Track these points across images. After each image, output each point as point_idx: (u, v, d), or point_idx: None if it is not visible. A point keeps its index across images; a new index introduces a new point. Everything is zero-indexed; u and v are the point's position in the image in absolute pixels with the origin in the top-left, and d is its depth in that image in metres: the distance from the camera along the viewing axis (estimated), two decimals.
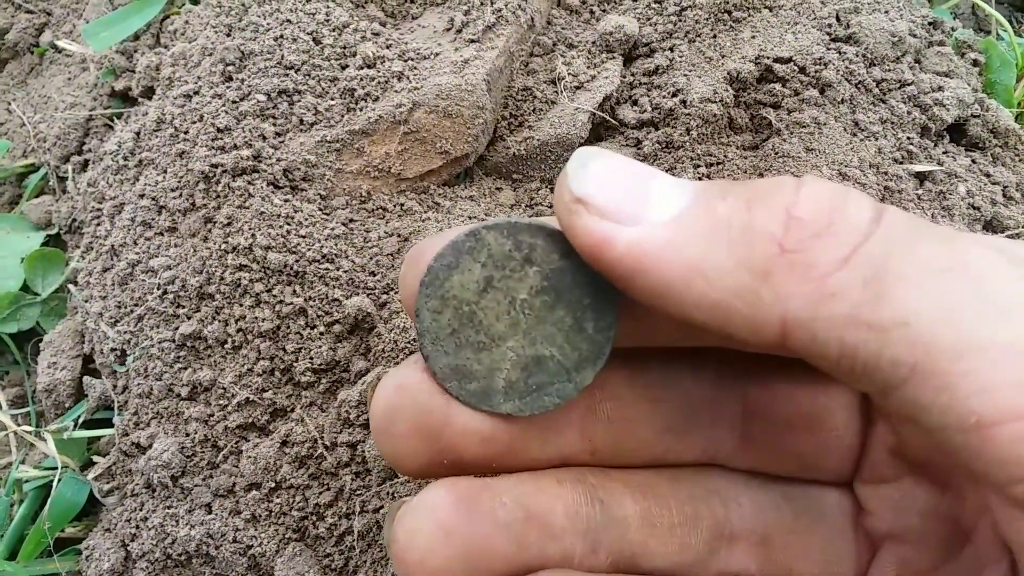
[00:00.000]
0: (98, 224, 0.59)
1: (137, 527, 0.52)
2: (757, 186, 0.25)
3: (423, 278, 0.29)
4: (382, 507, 0.49)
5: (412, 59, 0.56)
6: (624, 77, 0.57)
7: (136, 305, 0.54)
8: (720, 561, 0.33)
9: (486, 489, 0.29)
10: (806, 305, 0.23)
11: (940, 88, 0.56)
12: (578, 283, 0.29)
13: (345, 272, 0.51)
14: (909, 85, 0.55)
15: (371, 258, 0.52)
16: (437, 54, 0.56)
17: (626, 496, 0.32)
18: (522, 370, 0.30)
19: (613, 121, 0.56)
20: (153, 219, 0.55)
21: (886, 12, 0.58)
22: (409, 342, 0.49)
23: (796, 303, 0.23)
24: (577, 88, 0.56)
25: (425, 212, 0.54)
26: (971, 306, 0.21)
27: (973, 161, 0.56)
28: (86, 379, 0.57)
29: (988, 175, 0.56)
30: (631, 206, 0.25)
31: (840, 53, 0.55)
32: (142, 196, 0.56)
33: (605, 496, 0.32)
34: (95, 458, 0.56)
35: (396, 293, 0.51)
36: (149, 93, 0.62)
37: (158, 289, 0.53)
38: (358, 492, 0.49)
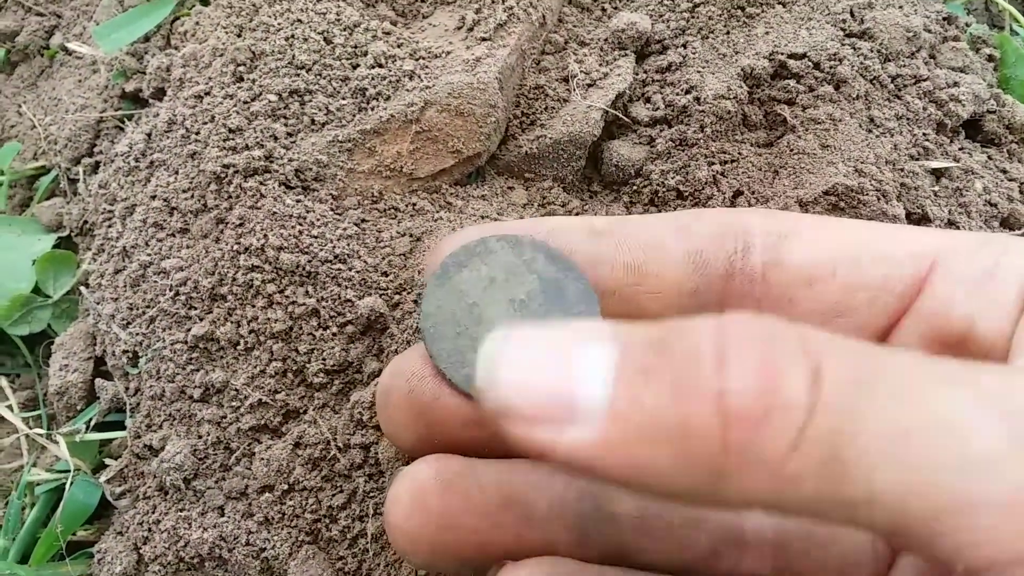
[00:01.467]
0: (109, 226, 0.59)
1: (149, 530, 0.52)
2: (674, 359, 0.22)
3: (435, 271, 0.33)
4: None
5: (423, 58, 0.56)
6: (637, 74, 0.56)
7: (148, 307, 0.54)
8: (727, 563, 0.33)
9: (468, 469, 0.32)
10: (769, 496, 0.22)
11: (956, 84, 0.55)
12: (571, 293, 0.32)
13: (357, 272, 0.50)
14: (924, 81, 0.55)
15: (383, 258, 0.51)
16: (448, 52, 0.56)
17: (622, 494, 0.32)
18: None
19: (626, 119, 0.55)
20: (165, 220, 0.55)
21: (900, 7, 0.58)
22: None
23: (758, 495, 0.22)
24: (589, 86, 0.56)
25: (437, 212, 0.54)
26: (937, 471, 0.20)
27: (989, 157, 0.56)
28: (98, 381, 0.57)
29: (1004, 171, 0.55)
30: (557, 408, 0.23)
31: (855, 49, 0.54)
32: (153, 197, 0.56)
33: (599, 492, 0.32)
34: (107, 461, 0.56)
35: (409, 293, 0.50)
36: (160, 94, 0.62)
37: (170, 291, 0.53)
38: (371, 494, 0.49)
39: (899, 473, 0.20)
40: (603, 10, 0.60)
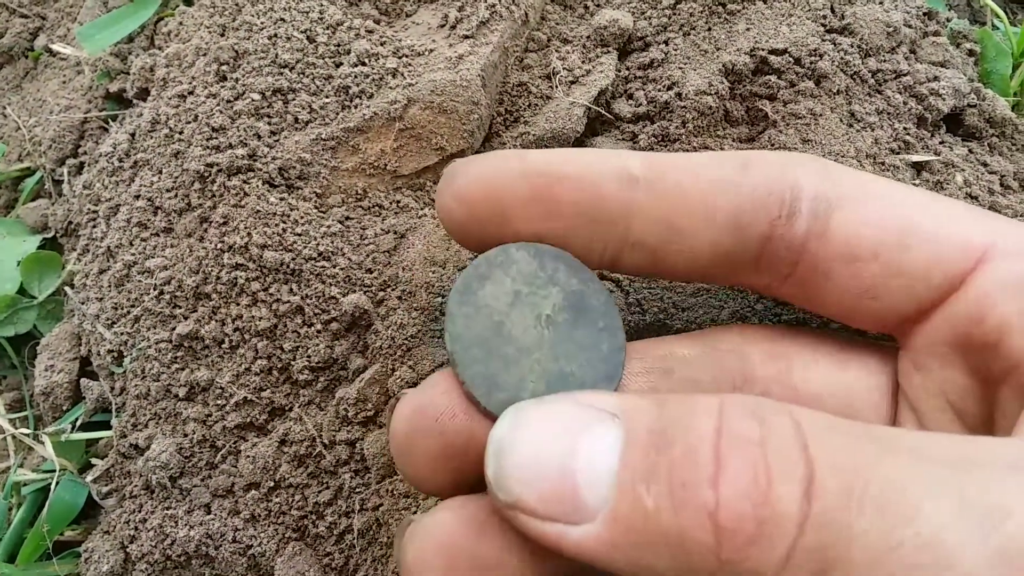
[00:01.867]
0: (94, 226, 0.59)
1: (136, 529, 0.52)
2: (674, 459, 0.23)
3: (456, 284, 0.31)
4: (381, 504, 0.49)
5: (406, 56, 0.56)
6: (619, 71, 0.57)
7: (133, 306, 0.54)
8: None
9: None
10: None
11: (936, 78, 0.56)
12: (593, 306, 0.31)
13: (342, 270, 0.51)
14: (905, 75, 0.55)
15: (368, 255, 0.51)
16: (431, 50, 0.56)
17: None
18: (547, 384, 0.30)
19: (608, 115, 0.56)
20: (149, 220, 0.55)
21: (880, 3, 0.58)
22: (407, 339, 0.49)
23: None
24: (572, 83, 0.56)
25: (422, 209, 0.54)
26: None
27: (970, 151, 0.56)
28: (83, 381, 0.57)
29: (985, 164, 0.55)
30: (564, 505, 0.24)
31: (835, 44, 0.54)
32: (137, 197, 0.56)
33: None
34: (94, 460, 0.56)
35: (393, 290, 0.50)
36: (144, 94, 0.62)
37: (154, 290, 0.53)
38: (357, 490, 0.49)
39: None
40: (586, 7, 0.60)
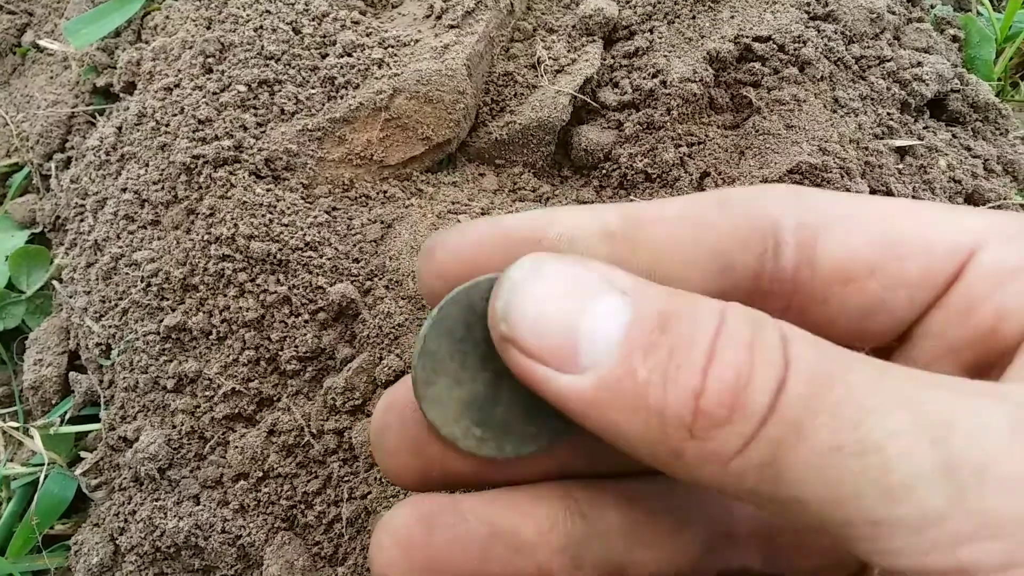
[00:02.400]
0: (81, 220, 0.59)
1: (125, 521, 0.52)
2: (673, 342, 0.25)
3: (436, 310, 0.30)
4: (370, 493, 0.49)
5: (392, 46, 0.56)
6: (604, 60, 0.57)
7: (120, 299, 0.54)
8: (720, 560, 0.33)
9: (452, 505, 0.30)
10: (714, 481, 0.24)
11: (919, 64, 0.56)
12: None
13: (328, 260, 0.51)
14: (888, 61, 0.55)
15: (354, 245, 0.52)
16: (417, 41, 0.56)
17: (611, 508, 0.32)
18: (517, 414, 0.30)
19: (594, 104, 0.56)
20: (136, 213, 0.55)
21: None
22: (394, 327, 0.49)
23: (706, 479, 0.25)
24: (558, 72, 0.56)
25: (408, 199, 0.54)
26: (857, 490, 0.22)
27: (953, 135, 0.56)
28: (72, 375, 0.57)
29: (969, 148, 0.56)
30: (560, 355, 0.26)
31: (819, 31, 0.55)
32: (124, 190, 0.56)
33: (588, 510, 0.32)
34: (83, 454, 0.56)
35: (380, 279, 0.50)
36: (131, 88, 0.62)
37: (142, 282, 0.53)
38: (346, 479, 0.49)
39: (823, 486, 0.22)
40: None
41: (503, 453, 0.30)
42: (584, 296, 0.26)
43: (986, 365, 0.30)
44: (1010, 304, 0.29)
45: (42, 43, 0.70)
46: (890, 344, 0.34)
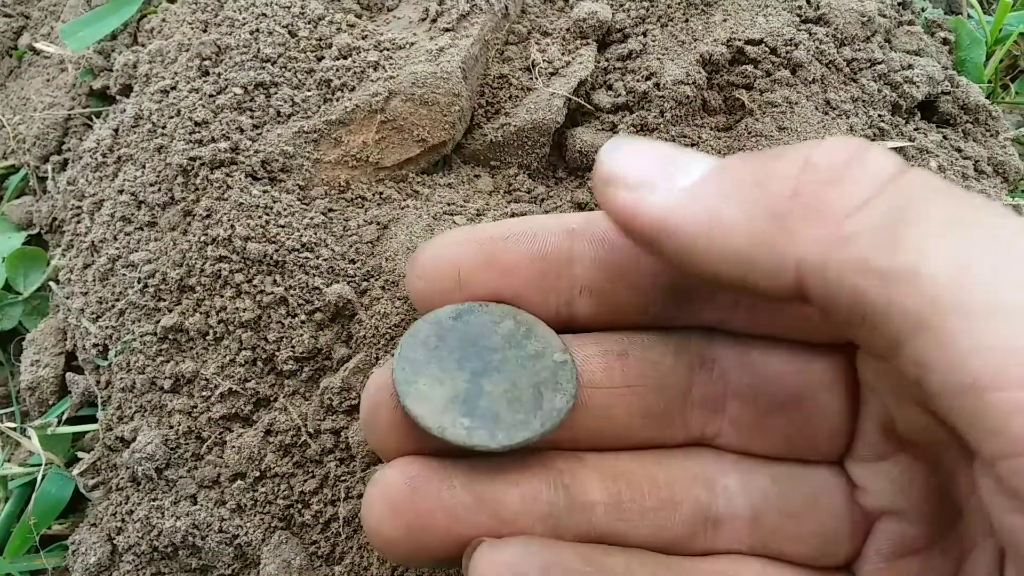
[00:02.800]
0: (78, 221, 0.59)
1: (123, 520, 0.52)
2: (784, 148, 0.25)
3: (409, 330, 0.33)
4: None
5: (388, 49, 0.56)
6: (598, 62, 0.57)
7: (117, 300, 0.54)
8: (705, 541, 0.33)
9: (439, 471, 0.31)
10: (819, 249, 0.22)
11: (910, 66, 0.56)
12: (540, 333, 0.33)
13: (325, 260, 0.51)
14: (880, 64, 0.56)
15: (351, 246, 0.52)
16: (412, 43, 0.56)
17: (594, 482, 0.32)
18: (505, 403, 0.31)
19: (588, 106, 0.56)
20: (133, 214, 0.55)
21: None
22: (390, 328, 0.49)
23: (809, 247, 0.23)
24: (552, 74, 0.57)
25: (404, 200, 0.54)
26: (987, 264, 0.20)
27: (944, 137, 0.57)
28: (69, 375, 0.57)
29: (959, 150, 0.56)
30: (658, 176, 0.26)
31: (810, 34, 0.55)
32: (121, 192, 0.56)
33: (571, 482, 0.32)
34: (80, 454, 0.56)
35: (376, 280, 0.51)
36: (127, 91, 0.62)
37: (139, 283, 0.53)
38: (343, 478, 0.50)
39: (947, 259, 0.20)
40: (565, 0, 0.61)
41: (495, 441, 0.30)
42: (678, 150, 0.28)
43: None
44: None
45: (39, 46, 0.70)
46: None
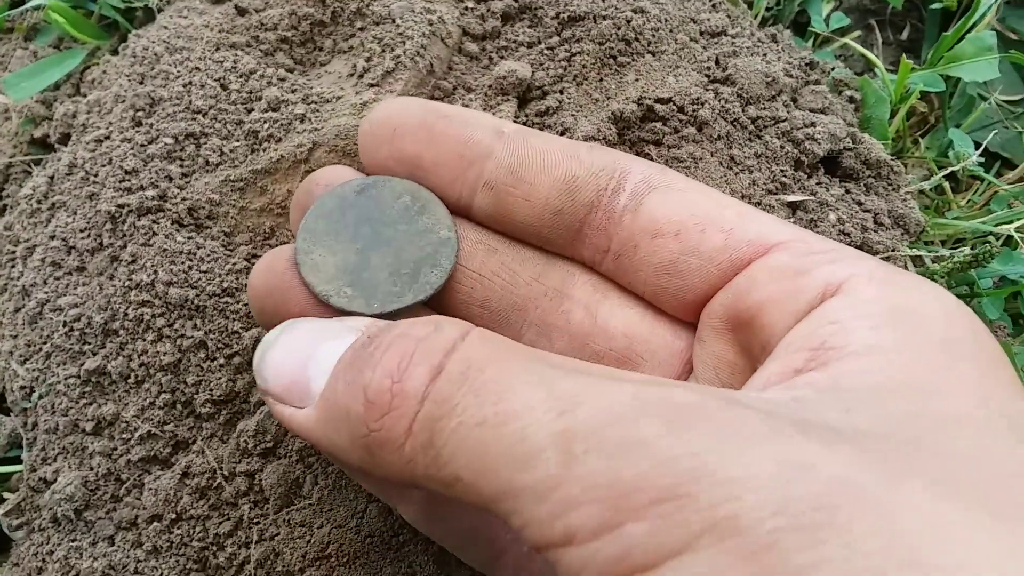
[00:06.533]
0: (12, 266, 0.61)
1: (43, 560, 0.53)
2: (366, 356, 0.28)
3: (316, 202, 0.38)
4: (278, 534, 0.50)
5: (315, 102, 0.59)
6: (518, 117, 0.60)
7: (44, 343, 0.56)
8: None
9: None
10: (402, 473, 0.26)
11: (813, 124, 0.59)
12: (432, 210, 0.37)
13: (244, 305, 0.53)
14: (783, 122, 0.59)
15: None
16: (339, 98, 0.59)
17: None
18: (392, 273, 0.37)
19: None
20: (63, 259, 0.57)
21: (764, 55, 0.62)
22: None
23: (395, 471, 0.26)
24: None
25: None
26: (497, 460, 0.23)
27: (847, 191, 0.60)
28: None
29: (860, 203, 0.59)
30: (296, 391, 0.30)
31: (717, 93, 0.58)
32: (53, 237, 0.58)
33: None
34: (6, 495, 0.57)
35: None
36: (66, 140, 0.64)
37: (64, 327, 0.55)
38: (256, 521, 0.51)
39: (472, 459, 0.24)
40: (490, 59, 0.63)
41: (371, 309, 0.35)
42: (320, 340, 0.30)
43: (752, 355, 0.33)
44: (773, 297, 0.31)
45: None
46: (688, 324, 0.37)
